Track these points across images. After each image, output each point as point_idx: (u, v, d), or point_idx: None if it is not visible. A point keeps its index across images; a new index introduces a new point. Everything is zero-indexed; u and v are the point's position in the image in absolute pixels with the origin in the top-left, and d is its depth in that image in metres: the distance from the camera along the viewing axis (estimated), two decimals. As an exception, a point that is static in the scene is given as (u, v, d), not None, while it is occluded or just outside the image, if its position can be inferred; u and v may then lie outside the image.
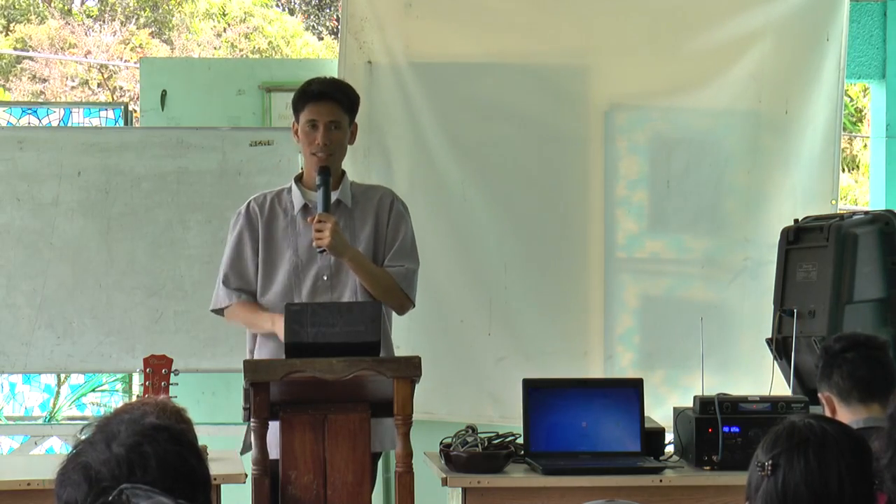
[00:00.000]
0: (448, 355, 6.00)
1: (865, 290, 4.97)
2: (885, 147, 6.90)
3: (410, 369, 4.13)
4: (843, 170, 12.54)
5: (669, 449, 4.70)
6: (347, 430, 4.18)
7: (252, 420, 4.11)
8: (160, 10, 15.73)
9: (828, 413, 3.77)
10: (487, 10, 6.10)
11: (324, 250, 4.46)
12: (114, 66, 15.17)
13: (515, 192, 6.11)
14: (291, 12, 16.41)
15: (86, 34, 15.44)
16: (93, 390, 8.00)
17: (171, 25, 15.57)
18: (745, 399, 4.58)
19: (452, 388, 6.02)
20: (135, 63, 13.73)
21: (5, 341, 5.99)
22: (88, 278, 6.01)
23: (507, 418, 5.60)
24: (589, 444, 4.59)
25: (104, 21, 15.70)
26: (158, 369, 4.35)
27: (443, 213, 6.04)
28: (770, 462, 2.54)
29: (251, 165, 6.05)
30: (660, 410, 5.48)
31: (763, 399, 4.60)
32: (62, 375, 7.91)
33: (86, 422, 2.16)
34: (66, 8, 15.75)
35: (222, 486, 4.23)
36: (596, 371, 6.10)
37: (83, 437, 2.13)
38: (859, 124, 13.22)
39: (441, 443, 4.55)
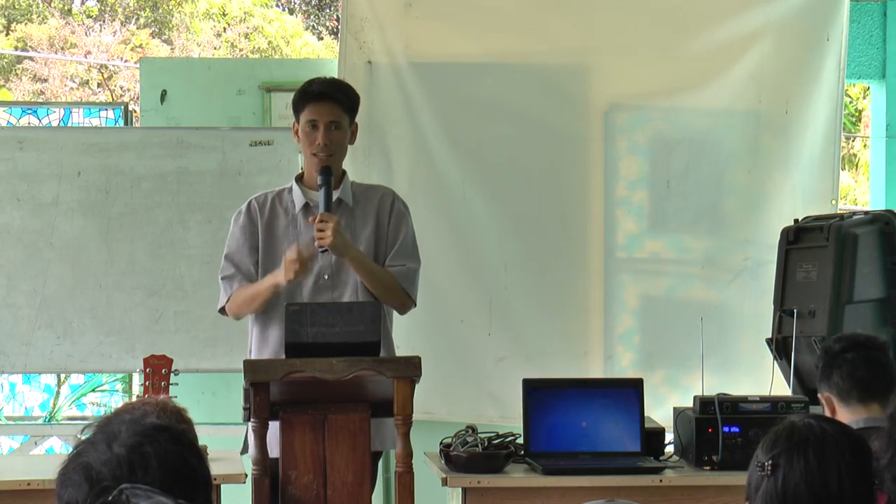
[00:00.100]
0: (448, 355, 6.00)
1: (865, 290, 4.97)
2: (885, 147, 6.90)
3: (410, 369, 4.13)
4: (843, 167, 12.55)
5: (669, 449, 4.70)
6: (347, 430, 4.18)
7: (252, 420, 4.11)
8: (160, 10, 15.73)
9: (827, 413, 3.77)
10: (487, 10, 6.10)
11: (325, 249, 4.46)
12: (114, 66, 15.17)
13: (515, 192, 6.11)
14: (291, 12, 16.41)
15: (86, 34, 15.44)
16: (93, 390, 8.00)
17: (171, 25, 15.57)
18: (745, 399, 4.58)
19: (452, 388, 6.02)
20: (135, 63, 13.72)
21: (5, 341, 5.99)
22: (88, 278, 6.01)
23: (507, 418, 5.60)
24: (589, 444, 4.58)
25: (104, 21, 15.70)
26: (158, 369, 4.35)
27: (443, 213, 6.04)
28: (770, 462, 2.54)
29: (251, 165, 6.05)
30: (660, 410, 5.48)
31: (763, 399, 4.60)
32: (62, 375, 7.91)
33: (86, 422, 2.16)
34: (66, 8, 15.75)
35: (222, 486, 4.23)
36: (596, 371, 6.10)
37: (84, 438, 2.13)
38: (858, 124, 13.24)
39: (441, 443, 4.55)
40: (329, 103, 4.59)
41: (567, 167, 6.17)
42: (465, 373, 6.07)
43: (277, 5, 16.24)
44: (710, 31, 6.15)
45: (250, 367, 4.12)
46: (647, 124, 6.22)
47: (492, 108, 6.11)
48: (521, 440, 4.59)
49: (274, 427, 4.17)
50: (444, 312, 6.03)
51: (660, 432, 4.67)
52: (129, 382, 7.58)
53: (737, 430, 4.51)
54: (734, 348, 6.07)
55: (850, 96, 12.66)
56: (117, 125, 7.01)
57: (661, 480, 4.41)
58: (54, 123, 7.01)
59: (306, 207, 4.59)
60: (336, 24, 15.09)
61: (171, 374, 4.35)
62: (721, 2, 6.18)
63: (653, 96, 6.19)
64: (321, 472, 4.16)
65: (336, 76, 5.54)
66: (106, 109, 7.24)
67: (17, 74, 15.09)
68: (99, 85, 15.18)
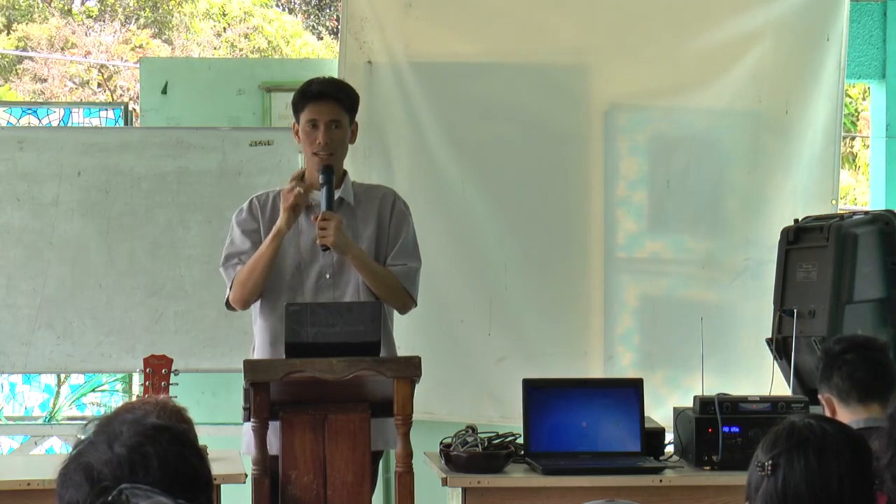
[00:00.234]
0: (448, 355, 5.99)
1: (865, 290, 4.97)
2: (885, 147, 6.90)
3: (410, 369, 4.13)
4: (843, 167, 12.57)
5: (669, 449, 4.70)
6: (347, 430, 4.18)
7: (252, 420, 4.11)
8: (160, 10, 15.73)
9: (828, 415, 3.77)
10: (487, 10, 6.10)
11: (327, 248, 4.46)
12: (114, 66, 15.18)
13: (515, 192, 6.11)
14: (291, 12, 16.41)
15: (86, 34, 15.45)
16: (93, 390, 8.00)
17: (171, 25, 15.57)
18: (745, 399, 4.58)
19: (452, 388, 6.02)
20: (135, 63, 13.73)
21: (5, 341, 5.99)
22: (88, 278, 6.01)
23: (507, 418, 5.59)
24: (589, 444, 4.59)
25: (104, 21, 15.70)
26: (158, 369, 4.35)
27: (443, 213, 6.04)
28: (770, 462, 2.54)
29: (251, 165, 6.05)
30: (660, 410, 5.48)
31: (763, 399, 4.60)
32: (62, 375, 7.91)
33: (86, 422, 2.16)
34: (66, 8, 15.75)
35: (222, 486, 4.23)
36: (596, 371, 6.10)
37: (85, 437, 2.13)
38: (857, 123, 13.27)
39: (441, 443, 4.56)
40: (329, 102, 4.59)
41: (567, 167, 6.17)
42: (465, 373, 6.07)
43: (277, 5, 16.25)
44: (710, 31, 6.14)
45: (250, 367, 4.12)
46: (648, 124, 6.22)
47: (492, 108, 6.11)
48: (521, 440, 4.59)
49: (274, 424, 4.17)
50: (444, 312, 6.03)
51: (660, 432, 4.67)
52: (129, 382, 7.58)
53: (737, 430, 4.51)
54: (734, 348, 6.06)
55: (850, 97, 12.67)
56: (117, 125, 7.01)
57: (661, 480, 4.41)
58: (54, 123, 7.01)
59: (307, 206, 4.59)
60: (336, 24, 15.09)
61: (171, 374, 4.35)
62: (721, 2, 6.18)
63: (653, 96, 6.19)
64: (321, 472, 4.16)
65: (336, 76, 5.54)
66: (106, 109, 7.25)
67: (17, 74, 15.09)
68: (99, 85, 15.18)
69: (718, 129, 6.18)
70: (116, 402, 7.95)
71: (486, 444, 4.48)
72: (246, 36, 15.36)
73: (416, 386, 4.17)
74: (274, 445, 4.19)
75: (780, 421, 2.64)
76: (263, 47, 15.26)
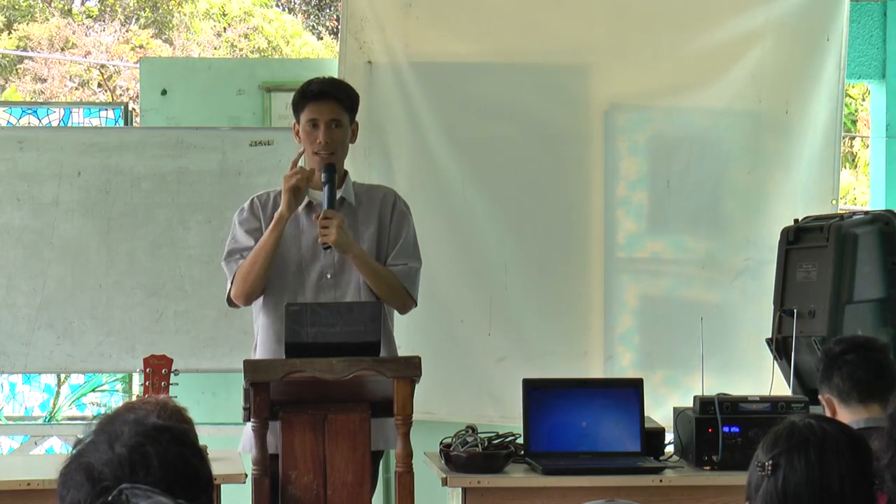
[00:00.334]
0: (448, 355, 5.99)
1: (865, 290, 4.97)
2: (885, 147, 6.90)
3: (410, 369, 4.13)
4: (843, 166, 12.58)
5: (669, 449, 4.70)
6: (347, 430, 4.18)
7: (252, 420, 4.11)
8: (160, 10, 15.73)
9: (828, 415, 3.78)
10: (487, 10, 6.10)
11: (329, 246, 4.46)
12: (114, 66, 15.17)
13: (515, 192, 6.11)
14: (291, 12, 16.41)
15: (86, 34, 15.44)
16: (93, 390, 8.00)
17: (171, 25, 15.57)
18: (745, 399, 4.58)
19: (452, 388, 6.01)
20: (135, 63, 13.73)
21: (5, 341, 5.99)
22: (88, 278, 6.01)
23: (507, 418, 5.59)
24: (589, 444, 4.59)
25: (104, 21, 15.70)
26: (158, 369, 4.35)
27: (443, 213, 6.04)
28: (770, 462, 2.54)
29: (251, 165, 6.05)
30: (660, 410, 5.48)
31: (763, 399, 4.60)
32: (62, 375, 7.91)
33: (86, 422, 2.16)
34: (66, 8, 15.75)
35: (222, 486, 4.23)
36: (596, 371, 6.10)
37: (86, 437, 2.13)
38: (856, 123, 13.28)
39: (441, 443, 4.56)
40: (329, 102, 4.59)
41: (567, 167, 6.17)
42: (465, 373, 6.06)
43: (277, 5, 16.25)
44: (710, 31, 6.14)
45: (250, 367, 4.13)
46: (647, 124, 6.22)
47: (492, 108, 6.11)
48: (521, 440, 4.59)
49: (274, 423, 4.17)
50: (444, 312, 6.03)
51: (660, 432, 4.67)
52: (129, 382, 7.58)
53: (737, 430, 4.51)
54: (734, 348, 6.06)
55: (850, 96, 12.68)
56: (117, 125, 7.01)
57: (661, 480, 4.42)
58: (54, 123, 7.02)
59: (309, 206, 4.59)
60: (336, 24, 15.09)
61: (171, 374, 4.35)
62: (721, 2, 6.18)
63: (653, 96, 6.19)
64: (321, 472, 4.16)
65: (336, 76, 5.54)
66: (106, 109, 7.25)
67: (17, 74, 15.09)
68: (99, 85, 15.18)
69: (718, 129, 6.18)
70: (116, 402, 7.95)
71: (486, 444, 4.48)
72: (246, 36, 15.36)
73: (416, 386, 4.17)
74: (273, 445, 4.19)
75: (780, 421, 2.64)
76: (263, 47, 15.26)
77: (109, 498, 1.98)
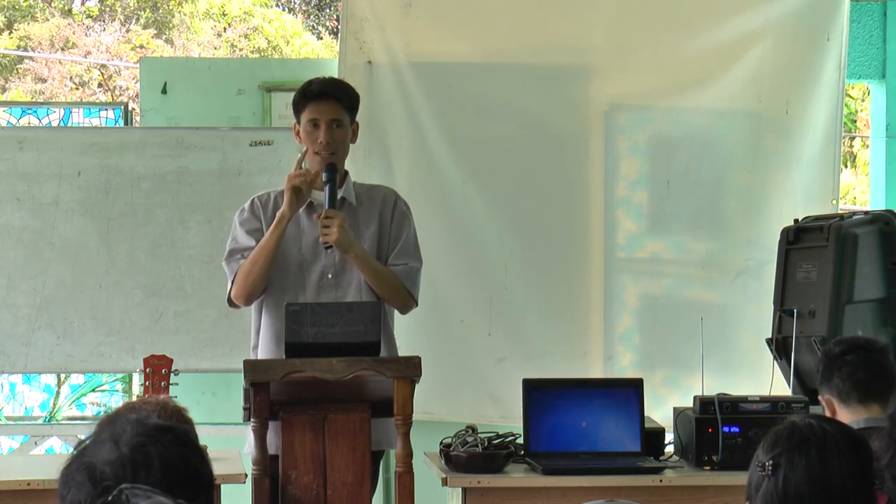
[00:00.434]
0: (448, 355, 6.00)
1: (865, 290, 4.97)
2: (885, 147, 6.90)
3: (410, 369, 4.13)
4: (843, 166, 12.59)
5: (669, 449, 4.70)
6: (347, 430, 4.18)
7: (252, 420, 4.11)
8: (160, 10, 15.74)
9: (828, 415, 3.78)
10: (487, 10, 6.10)
11: (330, 246, 4.46)
12: (114, 66, 15.18)
13: (515, 192, 6.11)
14: (291, 12, 16.42)
15: (86, 34, 15.45)
16: (93, 390, 8.00)
17: (171, 25, 15.57)
18: (745, 399, 4.58)
19: (452, 388, 6.02)
20: (135, 63, 13.73)
21: (5, 341, 5.99)
22: (88, 278, 6.01)
23: (507, 418, 5.59)
24: (589, 444, 4.58)
25: (104, 21, 15.70)
26: (158, 369, 4.35)
27: (443, 213, 6.04)
28: (771, 462, 2.54)
29: (251, 165, 6.06)
30: (660, 411, 5.48)
31: (763, 399, 4.60)
32: (62, 375, 7.90)
33: (86, 422, 2.17)
34: (66, 8, 15.75)
35: (222, 486, 4.23)
36: (596, 371, 6.10)
37: (87, 437, 2.13)
38: (856, 123, 13.30)
39: (441, 443, 4.55)
40: (330, 102, 4.59)
41: (567, 167, 6.17)
42: (465, 373, 6.07)
43: (277, 5, 16.25)
44: (710, 31, 6.14)
45: (250, 367, 4.13)
46: (647, 124, 6.22)
47: (492, 109, 6.11)
48: (521, 440, 4.59)
49: (274, 423, 4.17)
50: (444, 312, 6.03)
51: (660, 432, 4.67)
52: (129, 382, 7.58)
53: (737, 430, 4.51)
54: (734, 348, 6.06)
55: (851, 97, 12.68)
56: (117, 125, 7.01)
57: (661, 480, 4.41)
58: (54, 123, 7.01)
59: (309, 206, 4.59)
60: (336, 24, 15.09)
61: (171, 374, 4.35)
62: (721, 2, 6.18)
63: (653, 96, 6.19)
64: (321, 472, 4.16)
65: (336, 76, 5.54)
66: (106, 109, 7.24)
67: (17, 74, 15.09)
68: (99, 85, 15.18)
69: (718, 129, 6.18)
70: (116, 402, 7.95)
71: (486, 444, 4.48)
72: (246, 36, 15.36)
73: (416, 386, 4.17)
74: (273, 446, 4.19)
75: (780, 421, 2.64)
76: (263, 47, 15.26)
77: (109, 498, 1.98)
